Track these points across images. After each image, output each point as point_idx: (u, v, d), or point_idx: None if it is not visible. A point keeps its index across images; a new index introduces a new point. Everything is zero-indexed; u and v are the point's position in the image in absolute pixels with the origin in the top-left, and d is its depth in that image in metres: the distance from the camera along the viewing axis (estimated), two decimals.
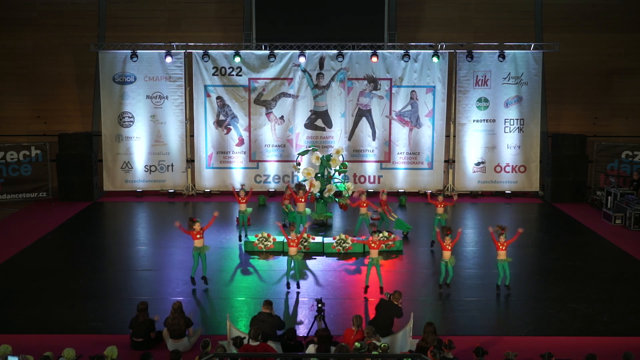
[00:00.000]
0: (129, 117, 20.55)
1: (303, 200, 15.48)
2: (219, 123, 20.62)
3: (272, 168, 20.83)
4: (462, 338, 10.23)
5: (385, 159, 20.82)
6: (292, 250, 12.47)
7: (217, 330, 10.66)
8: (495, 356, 9.36)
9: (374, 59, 19.68)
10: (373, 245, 12.35)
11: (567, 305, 11.83)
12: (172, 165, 20.79)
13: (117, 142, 20.61)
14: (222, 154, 20.77)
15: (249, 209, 15.99)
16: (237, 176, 20.80)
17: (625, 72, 21.18)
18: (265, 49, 20.04)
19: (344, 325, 10.46)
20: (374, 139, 20.72)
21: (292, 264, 12.55)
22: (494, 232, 12.59)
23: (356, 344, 8.92)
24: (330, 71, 20.32)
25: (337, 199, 17.29)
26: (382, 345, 8.91)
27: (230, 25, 20.99)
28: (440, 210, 15.24)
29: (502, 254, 12.35)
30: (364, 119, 20.63)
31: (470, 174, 20.89)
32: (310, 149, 18.32)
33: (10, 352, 8.69)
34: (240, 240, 15.72)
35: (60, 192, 20.07)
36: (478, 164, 20.82)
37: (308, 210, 16.08)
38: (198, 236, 12.47)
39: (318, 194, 16.87)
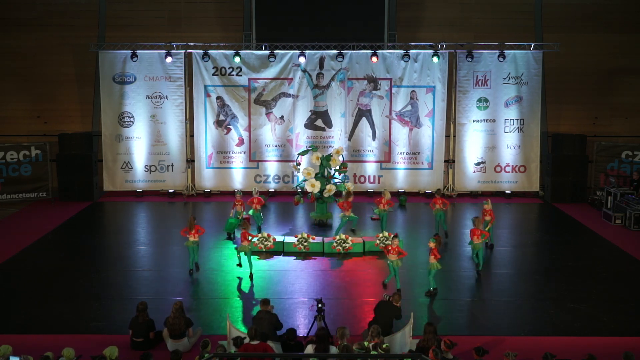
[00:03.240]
0: (129, 117, 20.55)
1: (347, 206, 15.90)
2: (219, 123, 20.62)
3: (272, 168, 20.83)
4: (462, 338, 10.23)
5: (385, 159, 20.83)
6: (246, 243, 13.29)
7: (217, 330, 10.66)
8: (495, 356, 9.36)
9: (374, 59, 19.70)
10: (392, 250, 12.52)
11: (567, 305, 11.84)
12: (172, 165, 20.80)
13: (117, 142, 20.61)
14: (222, 154, 20.77)
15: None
16: (237, 176, 20.81)
17: (625, 72, 21.18)
18: (265, 49, 20.04)
19: (344, 325, 10.44)
20: (374, 139, 20.72)
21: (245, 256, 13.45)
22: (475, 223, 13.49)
23: (364, 343, 8.96)
24: (330, 71, 20.32)
25: (337, 199, 17.30)
26: (384, 346, 8.93)
27: (230, 25, 20.99)
28: (439, 205, 15.72)
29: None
30: (364, 119, 20.63)
31: (470, 174, 20.89)
32: (310, 149, 18.33)
33: (11, 352, 8.69)
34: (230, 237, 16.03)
35: (60, 192, 20.07)
36: (478, 164, 20.82)
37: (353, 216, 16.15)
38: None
39: (318, 194, 16.88)
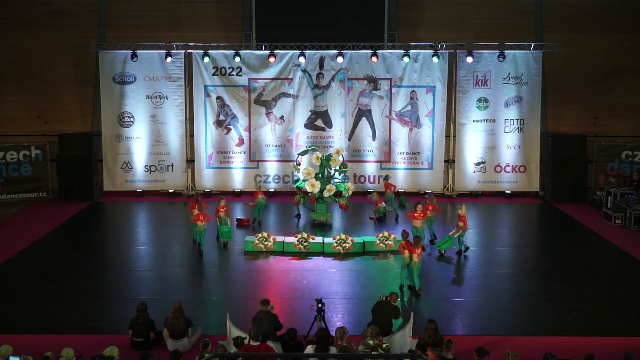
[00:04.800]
0: (129, 117, 20.55)
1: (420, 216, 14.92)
2: (219, 123, 20.62)
3: (272, 168, 20.83)
4: (462, 338, 10.24)
5: (385, 159, 20.82)
6: (200, 224, 14.70)
7: (217, 330, 10.66)
8: (496, 356, 9.36)
9: (374, 59, 19.70)
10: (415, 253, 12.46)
11: (567, 305, 11.83)
12: (172, 165, 20.79)
13: (117, 142, 20.60)
14: (222, 154, 20.77)
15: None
16: (237, 176, 20.81)
17: (625, 72, 21.17)
18: (265, 49, 20.03)
19: (344, 325, 10.44)
20: (374, 139, 20.72)
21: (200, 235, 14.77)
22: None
23: (369, 342, 8.97)
24: (330, 71, 20.31)
25: (337, 199, 17.30)
26: (384, 346, 8.93)
27: (230, 25, 20.98)
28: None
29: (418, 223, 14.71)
30: (364, 119, 20.63)
31: (470, 174, 20.88)
32: (310, 149, 18.32)
33: (12, 352, 8.69)
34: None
35: (60, 192, 20.07)
36: (478, 164, 20.81)
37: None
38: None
39: (318, 194, 16.88)
